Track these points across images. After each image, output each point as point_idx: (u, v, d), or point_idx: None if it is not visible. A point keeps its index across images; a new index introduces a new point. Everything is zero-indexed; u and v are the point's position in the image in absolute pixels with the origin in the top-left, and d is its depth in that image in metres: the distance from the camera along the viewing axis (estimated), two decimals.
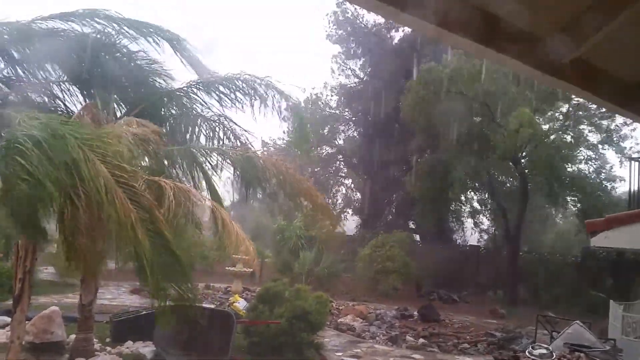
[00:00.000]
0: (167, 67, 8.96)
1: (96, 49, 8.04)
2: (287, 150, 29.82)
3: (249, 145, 9.19)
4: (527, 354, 9.42)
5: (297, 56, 52.93)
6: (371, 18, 27.21)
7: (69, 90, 8.41)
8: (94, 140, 5.48)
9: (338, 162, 31.38)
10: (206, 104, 9.05)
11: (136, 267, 5.60)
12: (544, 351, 9.27)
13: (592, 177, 20.53)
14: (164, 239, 5.70)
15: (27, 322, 7.70)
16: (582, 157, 20.73)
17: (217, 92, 8.91)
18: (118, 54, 8.41)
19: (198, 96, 9.01)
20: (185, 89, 9.00)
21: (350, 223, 27.94)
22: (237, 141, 9.15)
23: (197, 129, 9.09)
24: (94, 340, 7.75)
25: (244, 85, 8.78)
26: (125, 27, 8.23)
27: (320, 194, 9.34)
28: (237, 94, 8.80)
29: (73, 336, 7.69)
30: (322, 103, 29.54)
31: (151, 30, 8.39)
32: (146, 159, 6.86)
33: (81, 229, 5.14)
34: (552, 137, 19.92)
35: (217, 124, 9.16)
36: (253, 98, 8.71)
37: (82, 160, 5.02)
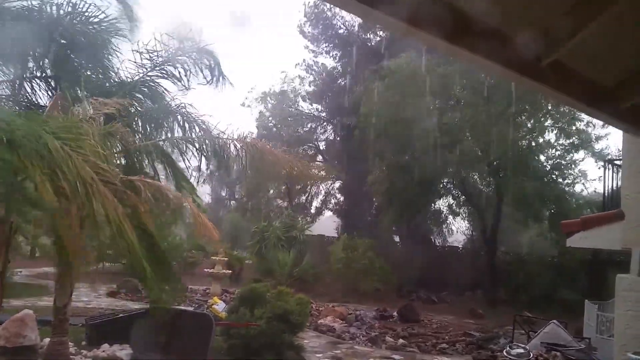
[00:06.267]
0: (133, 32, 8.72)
1: (59, 32, 7.77)
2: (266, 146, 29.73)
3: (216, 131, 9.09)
4: (505, 353, 9.54)
5: (270, 52, 52.84)
6: (348, 18, 27.41)
7: (34, 81, 8.20)
8: (73, 139, 5.42)
9: (317, 162, 31.41)
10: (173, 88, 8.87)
11: (128, 265, 5.65)
12: (522, 350, 9.39)
13: (564, 179, 20.87)
14: (149, 235, 5.71)
15: None
16: (554, 160, 21.03)
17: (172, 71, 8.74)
18: (83, 37, 8.06)
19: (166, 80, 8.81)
20: (153, 75, 8.77)
21: (330, 224, 27.91)
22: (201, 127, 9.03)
23: (166, 122, 8.95)
24: (69, 343, 7.59)
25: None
26: None
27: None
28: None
29: (47, 340, 7.51)
30: (294, 99, 29.61)
31: None
32: (121, 158, 6.77)
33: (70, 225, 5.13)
34: (524, 140, 20.22)
35: (184, 114, 9.02)
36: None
37: (65, 159, 4.98)
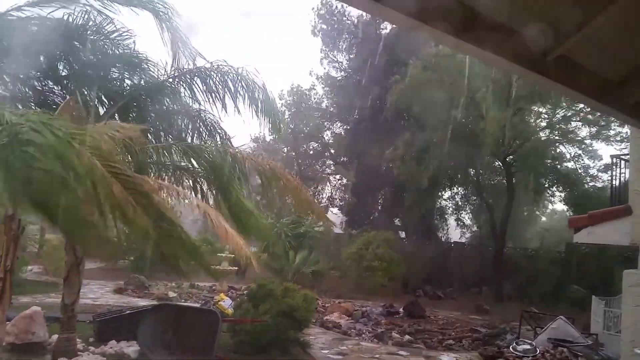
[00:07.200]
0: (152, 44, 8.61)
1: (74, 37, 7.76)
2: (275, 146, 29.72)
3: (229, 142, 9.11)
4: (511, 349, 9.52)
5: (282, 48, 52.85)
6: (357, 12, 27.19)
7: (46, 84, 8.21)
8: (82, 135, 5.45)
9: (324, 159, 31.36)
10: (189, 96, 8.83)
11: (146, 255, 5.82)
12: (528, 347, 9.37)
13: (579, 173, 20.76)
14: (168, 220, 5.82)
15: (7, 322, 7.59)
16: (569, 154, 20.95)
17: (199, 85, 8.69)
18: (98, 41, 8.01)
19: (181, 89, 8.77)
20: (170, 80, 8.72)
21: (335, 221, 27.90)
22: (216, 136, 9.05)
23: (179, 126, 8.96)
24: (77, 340, 7.64)
25: (224, 78, 8.60)
26: (107, 5, 7.76)
27: (305, 190, 9.33)
28: (218, 86, 8.60)
29: (55, 336, 7.56)
30: (306, 96, 29.49)
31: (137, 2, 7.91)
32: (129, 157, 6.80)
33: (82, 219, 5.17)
34: (539, 134, 20.12)
35: (198, 120, 9.02)
36: (237, 93, 8.55)
37: (74, 153, 5.00)
